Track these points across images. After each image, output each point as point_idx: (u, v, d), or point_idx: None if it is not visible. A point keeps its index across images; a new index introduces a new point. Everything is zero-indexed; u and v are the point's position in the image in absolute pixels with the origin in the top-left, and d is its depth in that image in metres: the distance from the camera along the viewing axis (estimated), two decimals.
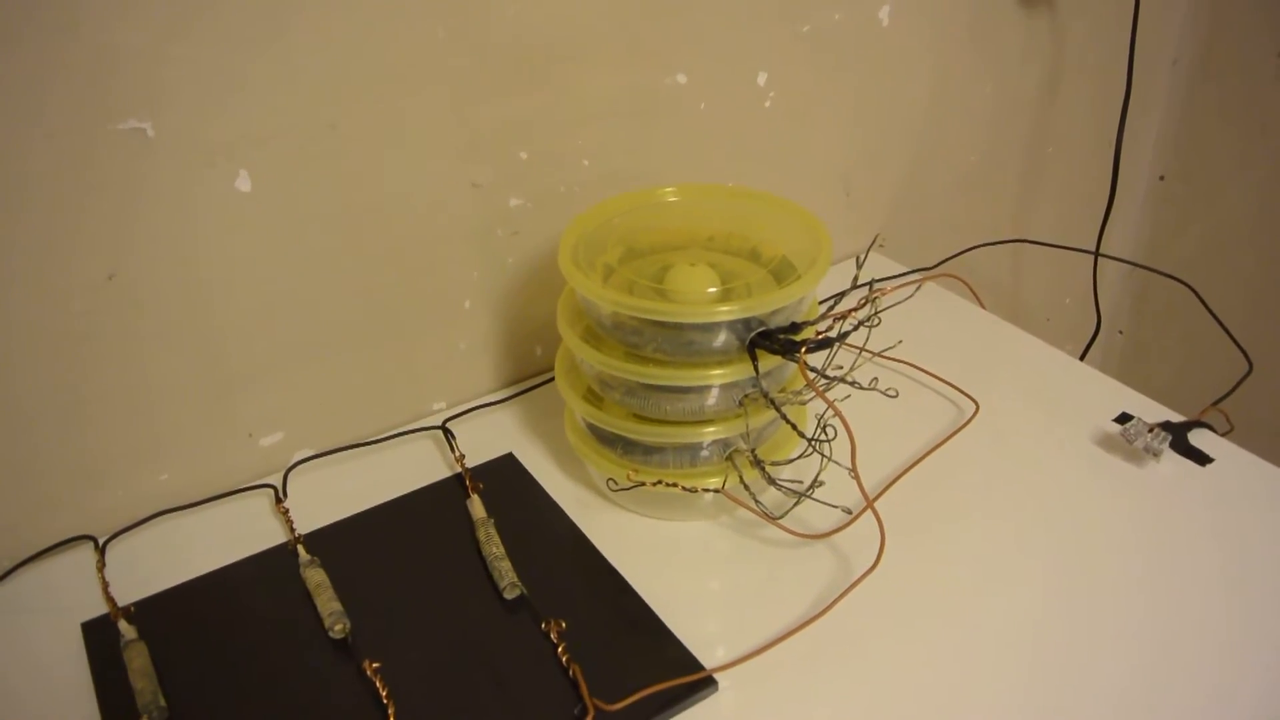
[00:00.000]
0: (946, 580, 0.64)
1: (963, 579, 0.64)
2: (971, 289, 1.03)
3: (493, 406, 0.82)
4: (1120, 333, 1.46)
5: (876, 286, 0.63)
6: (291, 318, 0.72)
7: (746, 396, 0.65)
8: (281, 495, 0.73)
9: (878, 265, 1.01)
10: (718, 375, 0.63)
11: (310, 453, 0.77)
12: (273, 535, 0.70)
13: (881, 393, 0.71)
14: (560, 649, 0.59)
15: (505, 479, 0.74)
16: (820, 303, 0.80)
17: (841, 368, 0.66)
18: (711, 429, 0.65)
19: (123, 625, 0.62)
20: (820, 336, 0.62)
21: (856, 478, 0.64)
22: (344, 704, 0.57)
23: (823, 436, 0.65)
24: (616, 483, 0.67)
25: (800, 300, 0.64)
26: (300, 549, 0.67)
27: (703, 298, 0.64)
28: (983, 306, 0.95)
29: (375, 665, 0.58)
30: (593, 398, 0.70)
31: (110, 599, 0.64)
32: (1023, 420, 0.78)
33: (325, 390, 0.76)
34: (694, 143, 0.87)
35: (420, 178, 0.73)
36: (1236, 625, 0.60)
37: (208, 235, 0.66)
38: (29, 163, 0.59)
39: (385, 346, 0.77)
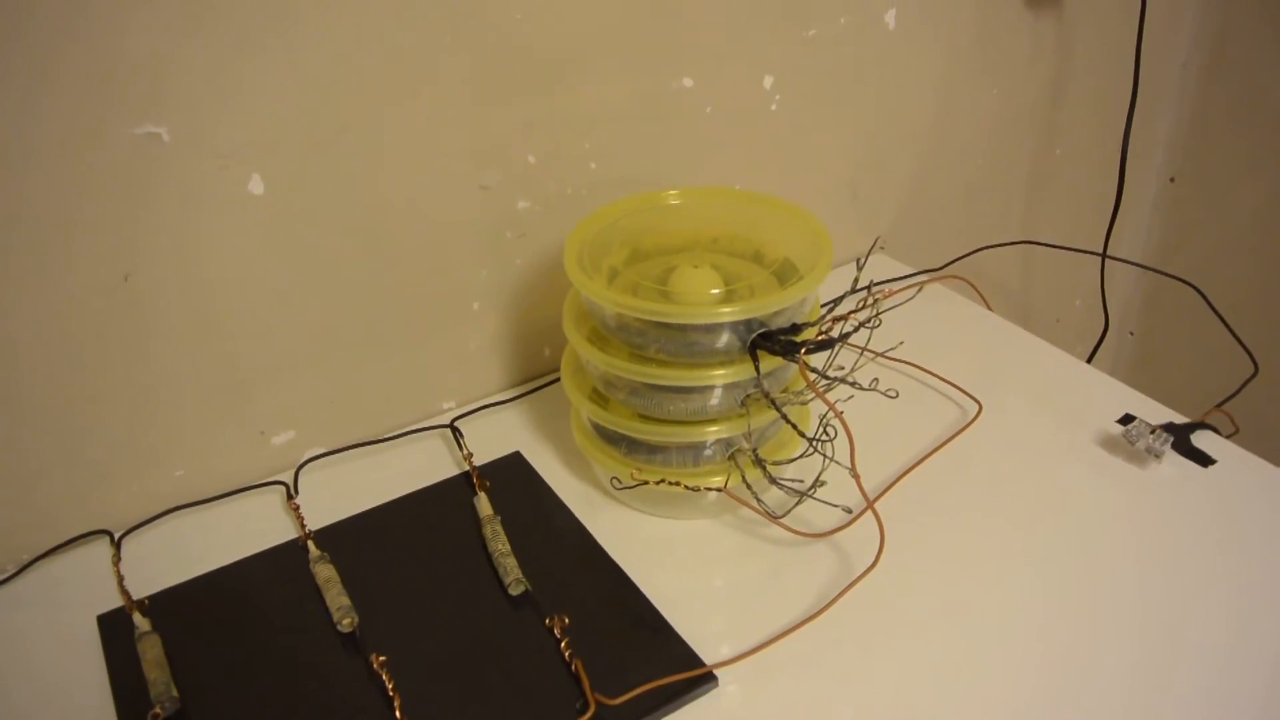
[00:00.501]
0: (947, 579, 0.65)
1: (963, 579, 0.65)
2: (978, 290, 1.03)
3: (501, 406, 0.83)
4: (1131, 334, 1.46)
5: (877, 288, 0.63)
6: (303, 318, 0.74)
7: (749, 396, 0.66)
8: (293, 492, 0.74)
9: (884, 267, 1.02)
10: (720, 376, 0.64)
11: (321, 450, 0.78)
12: (284, 531, 0.71)
13: (881, 393, 0.71)
14: (563, 644, 0.60)
15: (512, 477, 0.75)
16: (823, 305, 0.81)
17: (843, 368, 0.66)
18: (714, 429, 0.66)
19: (137, 618, 0.63)
20: (821, 338, 0.62)
21: (856, 478, 0.65)
22: (351, 696, 0.58)
23: (824, 437, 0.65)
24: (621, 481, 0.68)
25: (801, 302, 0.65)
26: (310, 545, 0.69)
27: (705, 299, 0.65)
28: (989, 308, 0.96)
29: (382, 659, 0.60)
30: (598, 398, 0.71)
31: (125, 592, 0.66)
32: (1025, 421, 0.79)
33: (336, 390, 0.77)
34: (700, 146, 0.88)
35: (430, 180, 0.74)
36: (1237, 627, 0.60)
37: (221, 237, 0.68)
38: (46, 166, 0.60)
39: (395, 347, 0.79)
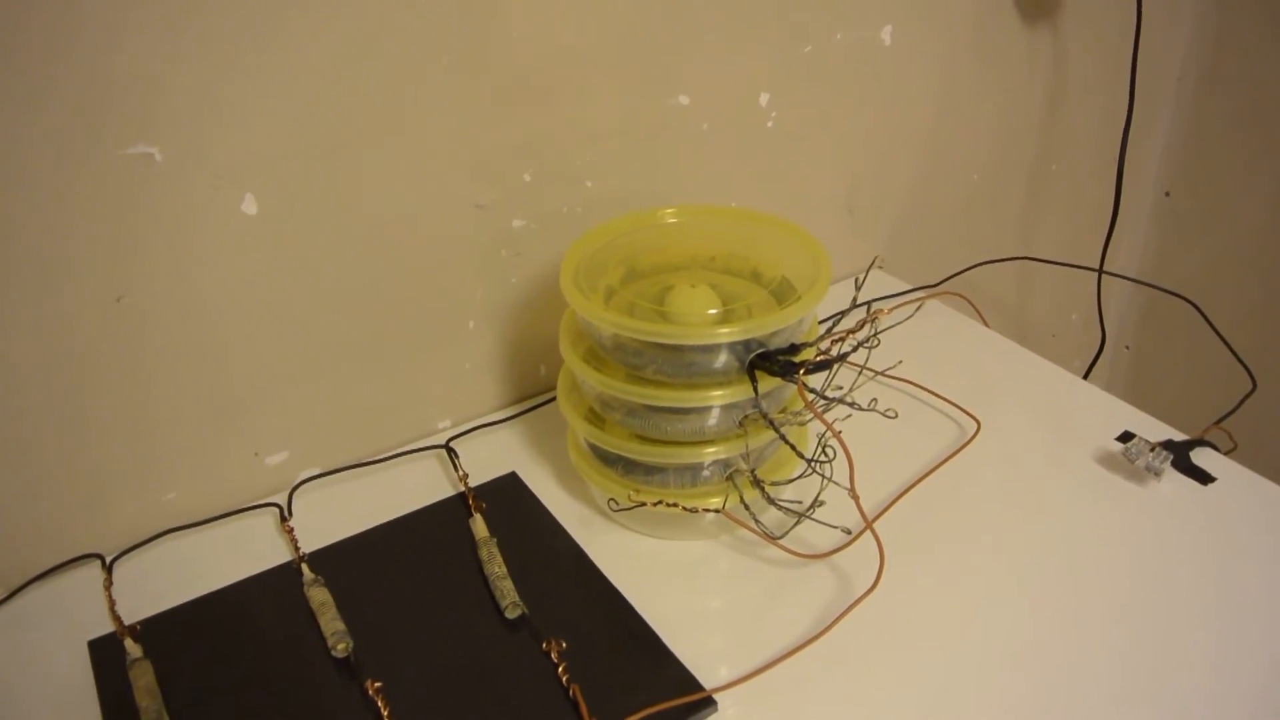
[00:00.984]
0: (947, 600, 0.64)
1: (963, 599, 0.64)
2: (975, 307, 1.03)
3: (497, 425, 0.83)
4: (1127, 348, 1.46)
5: (875, 307, 0.63)
6: (297, 338, 0.73)
7: (747, 417, 0.65)
8: (286, 514, 0.74)
9: (881, 283, 1.02)
10: (718, 396, 0.63)
11: (315, 471, 0.78)
12: (277, 554, 0.70)
13: (880, 413, 0.71)
14: (561, 669, 0.60)
15: (508, 498, 0.74)
16: (821, 322, 0.80)
17: (841, 388, 0.66)
18: (712, 449, 0.66)
19: (128, 643, 0.62)
20: (819, 358, 0.62)
21: (855, 499, 0.64)
22: None
23: (822, 457, 0.65)
24: (618, 503, 0.68)
25: (800, 321, 0.65)
26: (304, 568, 0.68)
27: (703, 319, 0.65)
28: (986, 324, 0.95)
29: (377, 685, 0.59)
30: (594, 418, 0.70)
31: (116, 617, 0.65)
32: (1024, 439, 0.78)
33: (330, 410, 0.77)
34: (697, 163, 0.87)
35: (425, 199, 0.74)
36: (1236, 646, 0.60)
37: (214, 257, 0.67)
38: (38, 186, 0.60)
39: (390, 366, 0.78)
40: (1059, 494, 0.73)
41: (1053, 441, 0.78)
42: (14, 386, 0.64)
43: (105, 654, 0.63)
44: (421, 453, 0.80)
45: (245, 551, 0.71)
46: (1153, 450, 0.73)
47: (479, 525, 0.70)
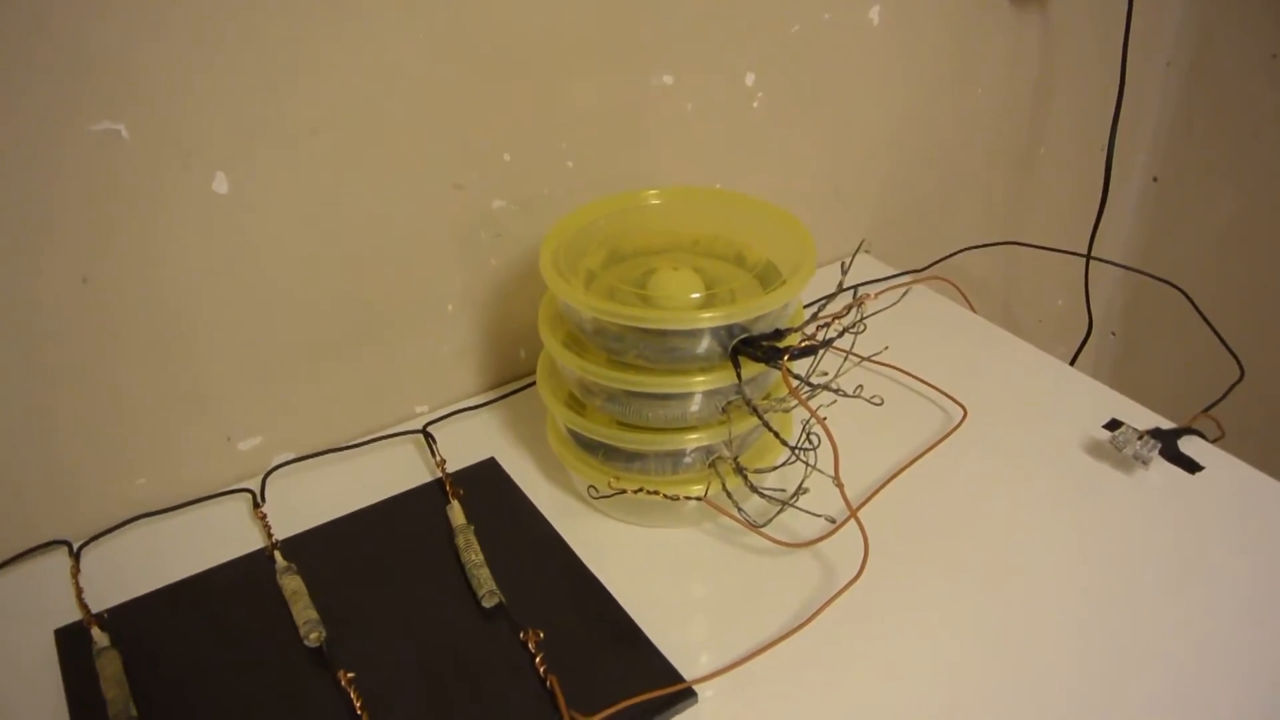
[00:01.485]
0: (931, 589, 0.63)
1: (948, 588, 0.63)
2: (962, 291, 1.02)
3: (475, 410, 0.81)
4: (1113, 334, 1.46)
5: (861, 293, 0.62)
6: (271, 320, 0.71)
7: (730, 403, 0.64)
8: (259, 500, 0.72)
9: (867, 267, 1.01)
10: (700, 382, 0.62)
11: (289, 457, 0.76)
12: (250, 540, 0.69)
13: (866, 400, 0.70)
14: (538, 659, 0.58)
15: (486, 484, 0.73)
16: (806, 306, 0.79)
17: (827, 374, 0.65)
18: (694, 436, 0.64)
19: (96, 632, 0.61)
20: (804, 344, 0.61)
21: (840, 487, 0.63)
22: (318, 714, 0.56)
23: (806, 444, 0.64)
24: (598, 490, 0.67)
25: (784, 306, 0.63)
26: (277, 555, 0.66)
27: (685, 303, 0.63)
28: (973, 309, 0.94)
29: (350, 675, 0.58)
30: (574, 403, 0.69)
31: (84, 605, 0.64)
32: (1011, 426, 0.77)
33: (305, 394, 0.75)
34: (681, 144, 0.86)
35: (402, 180, 0.72)
36: (1225, 635, 0.59)
37: (184, 237, 0.65)
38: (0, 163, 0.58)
39: (366, 349, 0.77)
40: (1045, 482, 0.72)
41: (1039, 429, 0.77)
42: None
43: (72, 643, 0.61)
44: (398, 438, 0.78)
45: (216, 538, 0.69)
46: (1140, 439, 0.72)
47: (456, 512, 0.69)
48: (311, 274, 0.71)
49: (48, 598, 0.65)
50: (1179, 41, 1.25)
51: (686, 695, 0.57)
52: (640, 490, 0.65)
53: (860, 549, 0.64)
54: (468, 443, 0.78)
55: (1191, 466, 0.73)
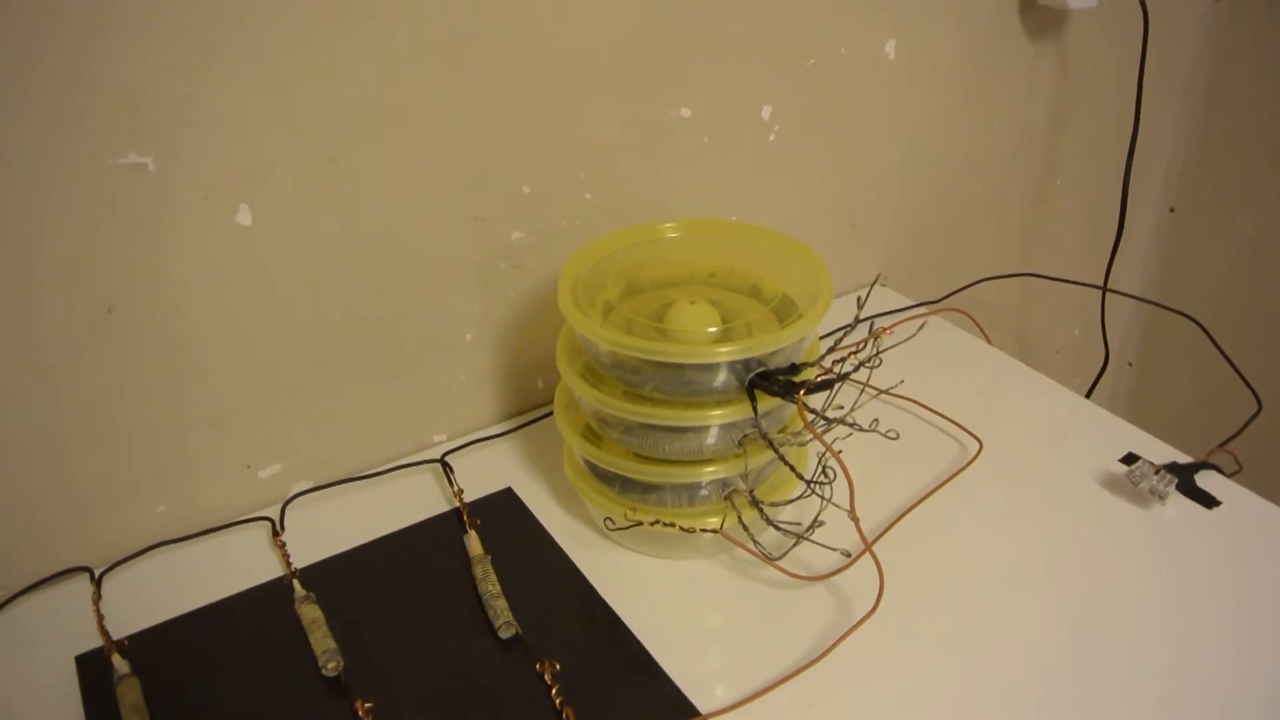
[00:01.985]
0: (948, 624, 0.63)
1: (964, 623, 0.63)
2: (978, 323, 1.02)
3: (492, 440, 0.82)
4: (1130, 365, 1.45)
5: (878, 326, 0.62)
6: (292, 349, 0.72)
7: (746, 437, 0.64)
8: (279, 528, 0.73)
9: (883, 299, 1.01)
10: (717, 415, 0.62)
11: (308, 485, 0.77)
12: (269, 569, 0.69)
13: (882, 434, 0.70)
14: (554, 690, 0.59)
15: (503, 514, 0.73)
16: (822, 338, 0.79)
17: (842, 407, 0.65)
18: (710, 469, 0.65)
19: (116, 659, 0.61)
20: (820, 378, 0.61)
21: (855, 520, 0.63)
22: None
23: (822, 478, 0.64)
24: (614, 521, 0.67)
25: (800, 340, 0.64)
26: (296, 584, 0.67)
27: (702, 337, 0.64)
28: (989, 341, 0.94)
29: (368, 705, 0.58)
30: (591, 435, 0.70)
31: (105, 632, 0.64)
32: (1027, 460, 0.77)
33: (325, 422, 0.76)
34: (698, 177, 0.87)
35: (421, 211, 0.73)
36: (1242, 673, 0.59)
37: (208, 268, 0.66)
38: (29, 196, 0.59)
39: (386, 379, 0.77)
40: (1061, 517, 0.72)
41: (1055, 463, 0.77)
42: (2, 397, 0.63)
43: (92, 670, 0.62)
44: (416, 467, 0.79)
45: (236, 566, 0.70)
46: (1157, 473, 0.72)
47: (473, 542, 0.69)
48: (331, 303, 0.72)
49: (69, 624, 0.65)
50: (1195, 71, 1.25)
51: None
52: (656, 522, 0.65)
53: (876, 583, 0.64)
54: (485, 472, 0.78)
55: (1209, 501, 0.72)
